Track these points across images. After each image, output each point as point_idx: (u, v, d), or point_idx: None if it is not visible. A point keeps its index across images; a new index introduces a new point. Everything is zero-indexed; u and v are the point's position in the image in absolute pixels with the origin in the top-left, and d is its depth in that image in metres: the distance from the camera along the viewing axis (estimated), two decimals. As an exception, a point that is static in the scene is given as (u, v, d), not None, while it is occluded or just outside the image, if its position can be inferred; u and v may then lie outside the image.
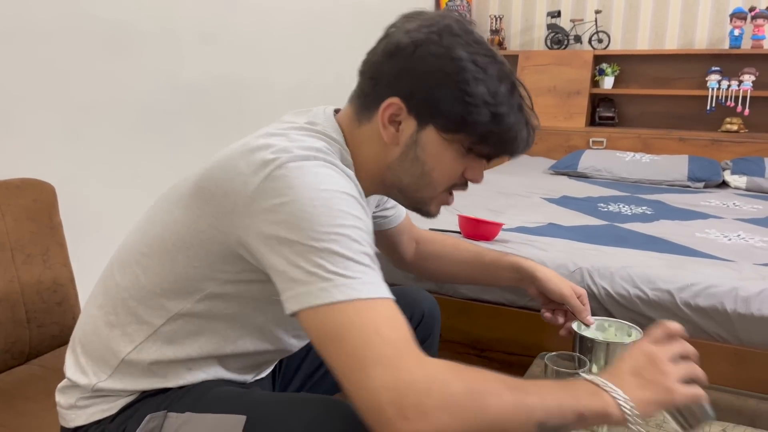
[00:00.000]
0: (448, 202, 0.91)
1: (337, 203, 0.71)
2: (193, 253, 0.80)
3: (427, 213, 0.92)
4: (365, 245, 0.71)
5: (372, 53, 0.85)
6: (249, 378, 0.94)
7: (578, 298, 1.13)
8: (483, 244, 1.60)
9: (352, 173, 0.80)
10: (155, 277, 0.83)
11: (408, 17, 0.84)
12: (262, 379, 1.01)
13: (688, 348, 0.78)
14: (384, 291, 0.69)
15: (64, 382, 0.90)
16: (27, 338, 1.25)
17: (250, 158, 0.75)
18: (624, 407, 0.69)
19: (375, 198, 1.07)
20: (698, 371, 0.77)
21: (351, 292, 0.66)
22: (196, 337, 0.84)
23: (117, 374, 0.85)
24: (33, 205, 1.30)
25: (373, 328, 0.65)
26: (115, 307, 0.86)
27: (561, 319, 1.15)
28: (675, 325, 0.79)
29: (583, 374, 0.74)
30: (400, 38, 0.81)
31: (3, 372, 1.23)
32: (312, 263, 0.67)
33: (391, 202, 1.13)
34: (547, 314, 1.16)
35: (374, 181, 0.88)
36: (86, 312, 0.91)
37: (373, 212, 1.12)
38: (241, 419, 0.76)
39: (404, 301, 1.16)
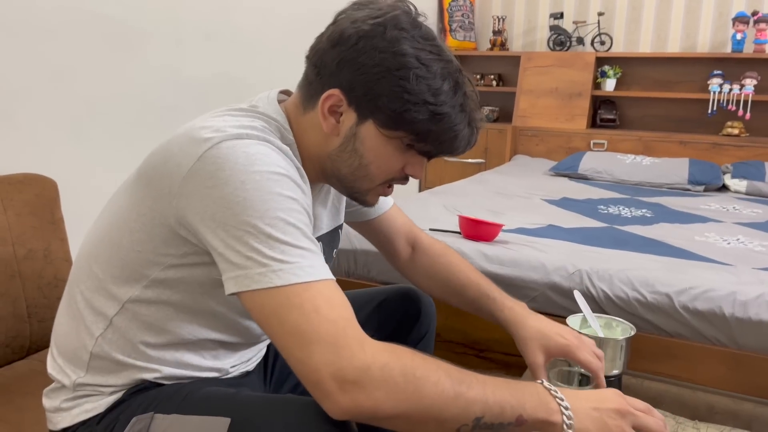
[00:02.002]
0: (385, 194, 0.91)
1: (270, 185, 0.71)
2: (137, 238, 0.81)
3: (364, 203, 0.91)
4: (301, 226, 0.72)
5: (319, 39, 0.84)
6: (226, 366, 0.93)
7: (587, 364, 0.95)
8: (483, 245, 1.60)
9: (290, 152, 0.80)
10: (104, 265, 0.84)
11: (358, 5, 0.82)
12: (250, 372, 1.01)
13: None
14: (322, 272, 0.70)
15: (49, 386, 0.91)
16: (27, 333, 1.26)
17: (184, 140, 0.76)
18: (565, 420, 0.71)
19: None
20: None
21: (289, 277, 0.68)
22: (150, 326, 0.84)
23: (92, 370, 0.86)
24: (35, 200, 1.31)
25: (312, 308, 0.67)
26: (76, 303, 0.87)
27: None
28: (661, 419, 0.79)
29: (544, 382, 0.75)
30: (345, 27, 0.79)
31: (3, 366, 1.23)
32: (248, 247, 0.69)
33: None
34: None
35: (316, 168, 0.87)
36: (58, 313, 0.92)
37: (351, 204, 1.08)
38: (226, 422, 0.76)
39: (401, 299, 1.18)
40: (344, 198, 1.06)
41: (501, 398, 0.69)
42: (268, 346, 1.10)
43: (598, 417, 0.73)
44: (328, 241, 1.04)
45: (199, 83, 2.03)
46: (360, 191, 0.88)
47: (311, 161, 0.87)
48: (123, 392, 0.86)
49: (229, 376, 0.94)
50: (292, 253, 0.69)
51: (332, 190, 1.01)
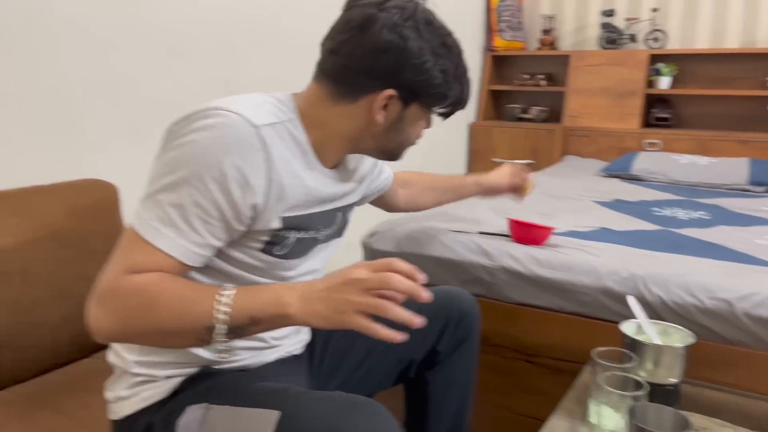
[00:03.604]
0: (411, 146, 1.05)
1: (193, 159, 0.80)
2: None
3: (398, 159, 1.04)
4: (186, 203, 0.80)
5: (354, 45, 0.89)
6: (266, 337, 0.98)
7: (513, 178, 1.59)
8: (533, 249, 1.59)
9: (275, 132, 0.87)
10: None
11: (378, 5, 0.89)
12: (298, 357, 1.06)
13: (399, 286, 0.76)
14: (169, 246, 0.80)
15: (109, 378, 0.97)
16: (90, 332, 1.31)
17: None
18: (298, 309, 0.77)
19: (365, 167, 1.13)
20: (386, 309, 0.75)
21: (144, 230, 0.80)
22: None
23: (144, 348, 0.92)
24: (97, 205, 1.36)
25: (128, 252, 0.81)
26: None
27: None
28: (401, 266, 0.78)
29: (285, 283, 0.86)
30: (387, 35, 0.87)
31: (68, 364, 1.29)
32: (149, 194, 0.82)
33: (381, 174, 1.26)
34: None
35: (349, 147, 0.98)
36: None
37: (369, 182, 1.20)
38: (275, 414, 0.81)
39: (443, 300, 1.21)
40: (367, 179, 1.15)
41: (234, 307, 0.77)
42: (314, 335, 1.13)
43: (326, 296, 0.77)
44: (346, 215, 1.08)
45: (251, 88, 2.07)
46: (398, 154, 1.03)
47: (342, 142, 0.96)
48: (180, 380, 0.92)
49: (274, 347, 1.00)
50: (162, 220, 0.80)
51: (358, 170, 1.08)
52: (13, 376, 1.20)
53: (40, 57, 1.44)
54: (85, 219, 1.33)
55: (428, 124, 1.02)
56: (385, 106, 0.93)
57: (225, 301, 0.77)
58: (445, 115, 1.00)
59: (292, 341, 1.05)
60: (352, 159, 1.06)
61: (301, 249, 0.97)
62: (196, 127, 0.82)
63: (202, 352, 0.92)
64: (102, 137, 1.61)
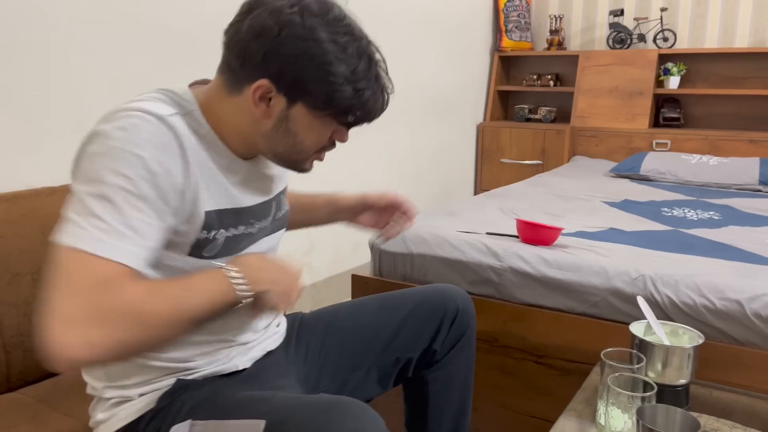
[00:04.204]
0: (320, 159, 0.96)
1: (112, 162, 0.77)
2: None
3: (302, 170, 0.97)
4: (121, 204, 0.76)
5: (236, 28, 0.86)
6: (230, 337, 0.97)
7: (396, 205, 1.20)
8: (542, 250, 1.58)
9: (180, 123, 0.84)
10: None
11: None
12: (273, 353, 1.05)
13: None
14: (105, 249, 0.74)
15: (90, 403, 0.98)
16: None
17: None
18: (240, 290, 0.80)
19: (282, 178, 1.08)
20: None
21: (74, 241, 0.73)
22: None
23: (110, 374, 0.92)
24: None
25: (67, 274, 0.72)
26: None
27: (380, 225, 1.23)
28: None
29: (224, 267, 0.83)
30: (265, 19, 0.83)
31: (78, 365, 1.30)
32: (69, 206, 0.77)
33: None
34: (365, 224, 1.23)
35: (249, 145, 0.92)
36: None
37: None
38: (261, 423, 0.81)
39: (439, 297, 1.21)
40: None
41: (189, 304, 0.78)
42: (309, 339, 1.14)
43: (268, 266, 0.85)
44: (280, 203, 1.05)
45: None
46: (297, 162, 0.94)
47: (240, 139, 0.91)
48: (157, 395, 0.91)
49: (249, 345, 0.99)
50: (90, 223, 0.74)
51: None
52: (24, 378, 1.21)
53: (51, 59, 1.45)
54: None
55: (338, 136, 0.93)
56: (268, 100, 0.86)
57: (187, 303, 0.79)
58: (347, 124, 0.91)
59: (264, 336, 1.04)
60: None
61: (233, 246, 0.93)
62: (111, 133, 0.79)
63: (167, 363, 0.92)
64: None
